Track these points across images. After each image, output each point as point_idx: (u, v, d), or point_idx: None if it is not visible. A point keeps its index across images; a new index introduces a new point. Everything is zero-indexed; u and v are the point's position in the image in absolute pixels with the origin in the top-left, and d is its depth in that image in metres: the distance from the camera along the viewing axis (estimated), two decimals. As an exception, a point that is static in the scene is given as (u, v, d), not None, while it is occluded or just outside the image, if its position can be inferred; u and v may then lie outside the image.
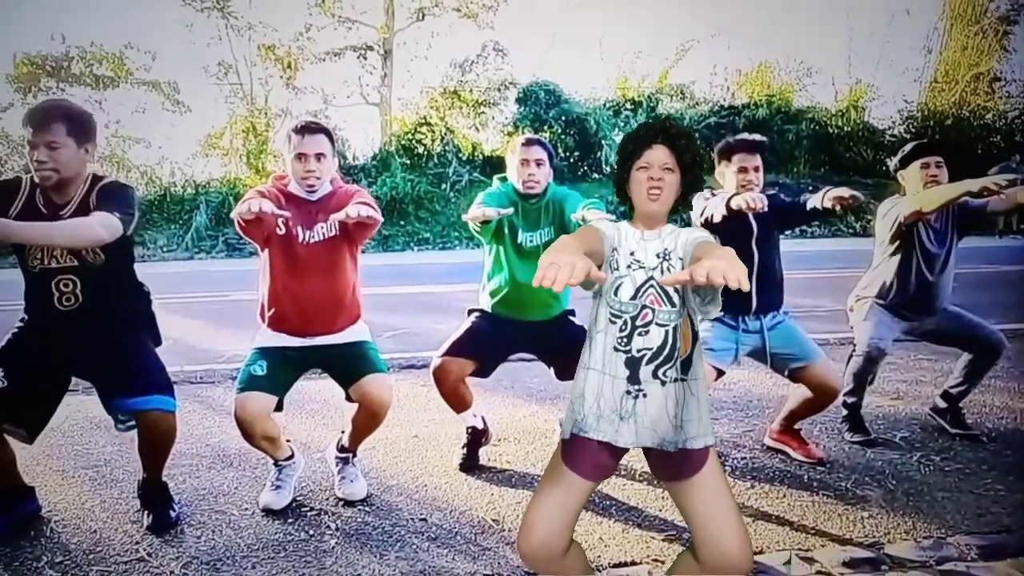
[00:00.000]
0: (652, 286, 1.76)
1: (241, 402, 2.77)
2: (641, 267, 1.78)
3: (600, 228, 1.82)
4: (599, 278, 1.47)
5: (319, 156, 2.84)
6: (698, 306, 1.74)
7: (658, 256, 1.79)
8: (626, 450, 1.83)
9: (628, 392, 1.75)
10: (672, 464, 1.80)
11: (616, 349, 1.76)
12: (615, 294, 1.77)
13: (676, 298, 1.76)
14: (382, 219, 2.73)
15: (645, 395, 1.74)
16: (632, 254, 1.80)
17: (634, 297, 1.76)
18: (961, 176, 3.17)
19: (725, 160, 3.25)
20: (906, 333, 3.59)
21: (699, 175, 1.84)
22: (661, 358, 1.74)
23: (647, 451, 1.83)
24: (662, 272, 1.78)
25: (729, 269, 1.37)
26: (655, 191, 1.78)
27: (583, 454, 1.81)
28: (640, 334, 1.75)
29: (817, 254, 10.98)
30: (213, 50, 21.79)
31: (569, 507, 1.81)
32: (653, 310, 1.75)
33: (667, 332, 1.75)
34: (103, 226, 2.44)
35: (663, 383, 1.74)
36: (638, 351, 1.75)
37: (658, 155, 1.78)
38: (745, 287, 1.35)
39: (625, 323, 1.76)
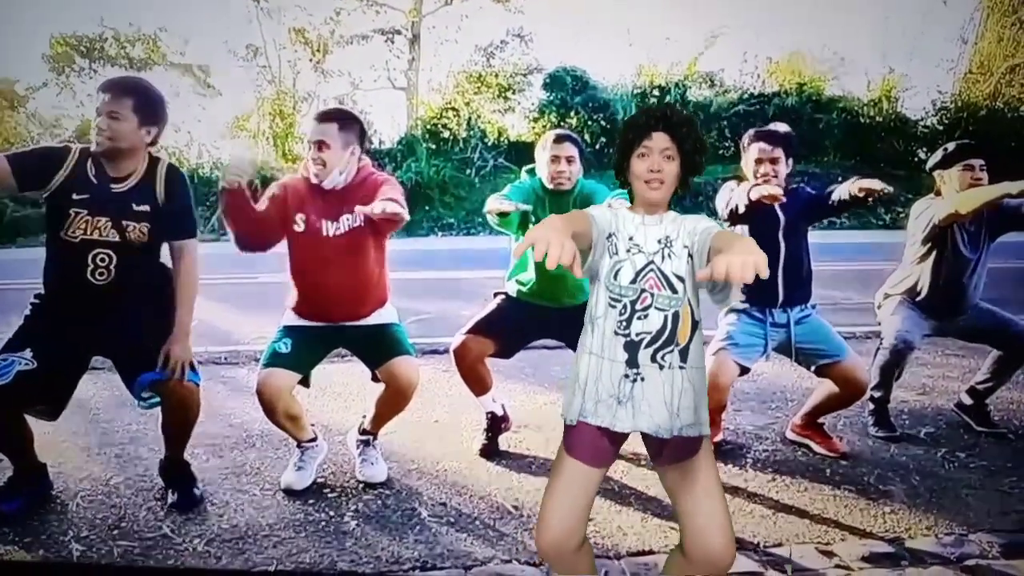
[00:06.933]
0: (652, 270, 1.76)
1: (263, 378, 2.81)
2: (640, 251, 1.78)
3: (591, 213, 1.80)
4: (575, 264, 1.45)
5: (320, 144, 2.81)
6: (710, 296, 1.74)
7: (659, 242, 1.79)
8: (626, 436, 1.82)
9: (626, 376, 1.74)
10: (666, 449, 1.80)
11: (616, 333, 1.76)
12: (614, 278, 1.77)
13: (677, 284, 1.75)
14: (408, 217, 2.71)
15: (643, 379, 1.73)
16: (631, 238, 1.79)
17: (633, 281, 1.76)
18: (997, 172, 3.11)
19: (746, 150, 3.22)
20: (935, 330, 3.54)
21: (699, 162, 1.82)
22: (660, 342, 1.74)
23: (644, 435, 1.82)
24: (663, 258, 1.77)
25: (746, 264, 1.35)
26: (655, 183, 1.78)
27: (584, 441, 1.81)
28: (639, 318, 1.74)
29: (846, 246, 10.84)
30: (242, 33, 21.86)
31: (579, 499, 1.80)
32: (652, 294, 1.74)
33: (666, 317, 1.74)
34: (195, 261, 2.80)
35: (661, 368, 1.73)
36: (637, 335, 1.74)
37: (659, 142, 1.77)
38: (764, 274, 1.34)
39: (624, 307, 1.75)
